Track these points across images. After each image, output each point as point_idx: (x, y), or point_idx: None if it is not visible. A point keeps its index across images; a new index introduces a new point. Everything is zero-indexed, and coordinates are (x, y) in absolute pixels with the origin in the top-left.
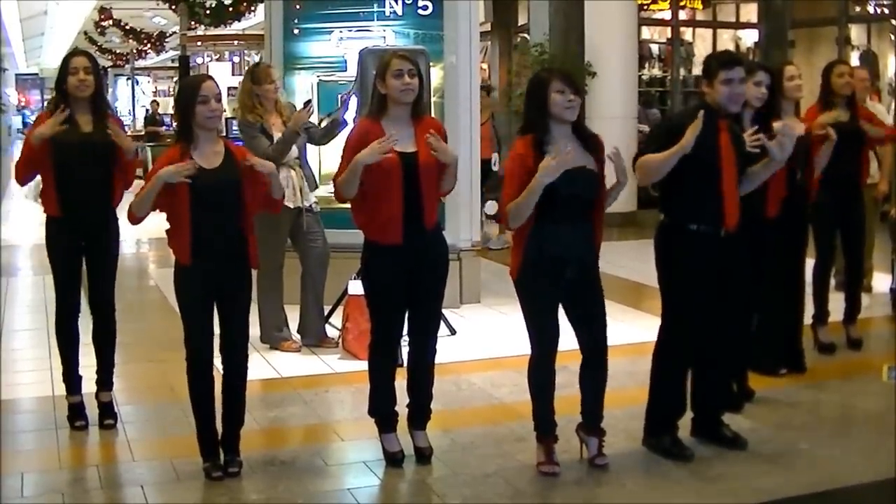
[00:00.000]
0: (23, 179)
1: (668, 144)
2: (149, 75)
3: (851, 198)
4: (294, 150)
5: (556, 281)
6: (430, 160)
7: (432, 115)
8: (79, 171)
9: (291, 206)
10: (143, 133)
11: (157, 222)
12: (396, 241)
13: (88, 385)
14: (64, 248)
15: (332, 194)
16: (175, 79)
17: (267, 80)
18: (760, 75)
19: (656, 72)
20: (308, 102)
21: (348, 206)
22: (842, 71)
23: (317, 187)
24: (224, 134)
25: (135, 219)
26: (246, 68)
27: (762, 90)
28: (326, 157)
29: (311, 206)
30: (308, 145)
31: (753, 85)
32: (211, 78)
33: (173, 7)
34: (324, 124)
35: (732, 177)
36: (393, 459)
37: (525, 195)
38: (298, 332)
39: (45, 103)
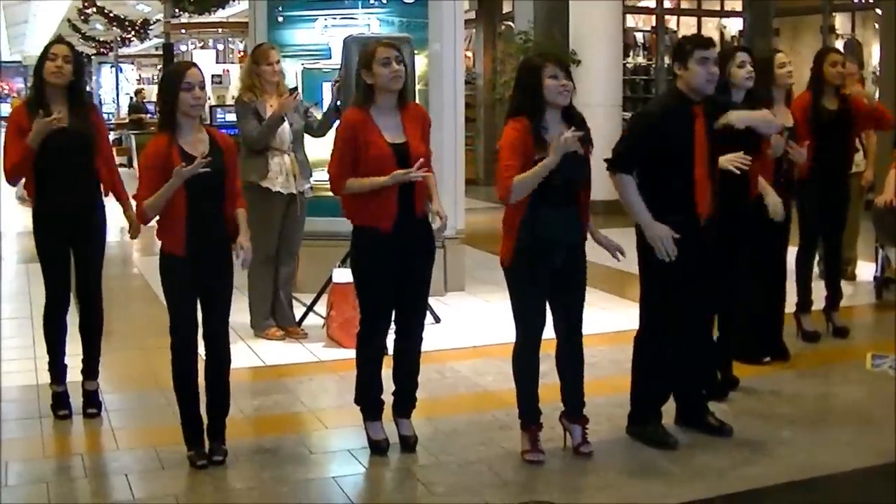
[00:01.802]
0: (12, 179)
1: (649, 141)
2: (133, 63)
3: (836, 186)
4: (289, 135)
5: (548, 266)
6: (421, 150)
7: (416, 102)
8: (57, 162)
9: (284, 193)
10: (126, 121)
11: None
12: (388, 229)
13: (73, 374)
14: (52, 240)
15: (320, 182)
16: (159, 66)
17: (264, 60)
18: (740, 56)
19: (641, 60)
20: (294, 90)
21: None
22: (835, 60)
23: (311, 175)
24: (208, 122)
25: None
26: (231, 56)
27: (747, 69)
28: (312, 145)
29: (303, 191)
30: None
31: (737, 67)
32: (195, 65)
33: None
34: (312, 113)
35: (704, 165)
36: (378, 447)
37: (533, 173)
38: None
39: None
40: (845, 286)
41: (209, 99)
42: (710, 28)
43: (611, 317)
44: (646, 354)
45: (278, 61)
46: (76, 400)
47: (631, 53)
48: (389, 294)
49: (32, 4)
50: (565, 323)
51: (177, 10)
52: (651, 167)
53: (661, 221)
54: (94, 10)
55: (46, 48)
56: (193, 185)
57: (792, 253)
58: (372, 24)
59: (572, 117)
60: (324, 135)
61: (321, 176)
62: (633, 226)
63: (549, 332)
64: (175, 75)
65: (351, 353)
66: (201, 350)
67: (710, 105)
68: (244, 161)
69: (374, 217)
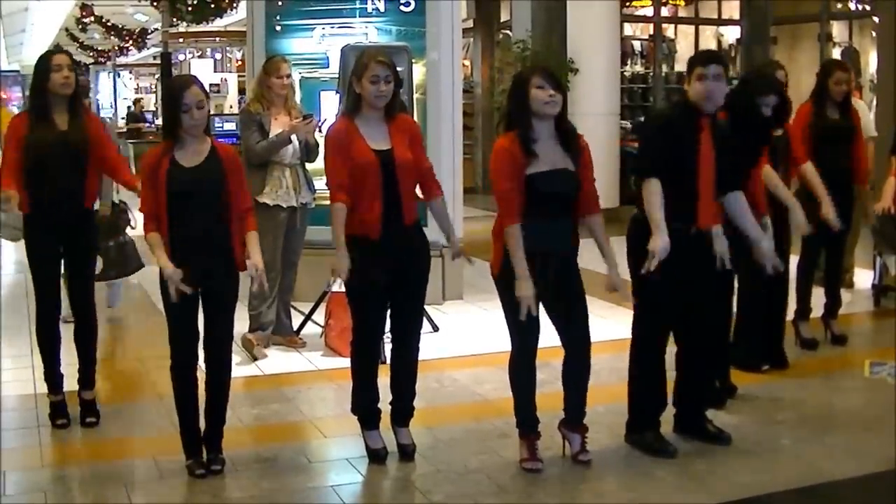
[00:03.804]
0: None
1: (664, 145)
2: (130, 72)
3: (841, 193)
4: (292, 150)
5: (537, 277)
6: (406, 156)
7: (414, 111)
8: (53, 169)
9: (284, 206)
10: (124, 130)
11: (140, 221)
12: (375, 237)
13: (70, 383)
14: (41, 247)
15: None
16: (157, 76)
17: (274, 72)
18: (771, 99)
19: (639, 68)
20: (309, 116)
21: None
22: (839, 79)
23: (314, 189)
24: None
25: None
26: (229, 65)
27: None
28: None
29: (306, 203)
30: None
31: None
32: (195, 82)
33: (155, 3)
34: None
35: (709, 176)
36: (376, 456)
37: (514, 256)
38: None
39: (24, 101)
40: (843, 294)
41: (210, 111)
42: (708, 36)
43: (609, 325)
44: (641, 363)
45: (288, 75)
46: (74, 409)
47: (629, 62)
48: (381, 302)
49: (30, 14)
50: (569, 336)
51: (175, 20)
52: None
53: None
54: (92, 19)
55: (47, 59)
56: (173, 193)
57: (793, 261)
58: (370, 32)
59: (566, 131)
60: (313, 161)
61: (319, 185)
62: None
63: (548, 340)
64: (174, 95)
65: (349, 362)
66: (201, 360)
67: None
68: None
69: (360, 226)
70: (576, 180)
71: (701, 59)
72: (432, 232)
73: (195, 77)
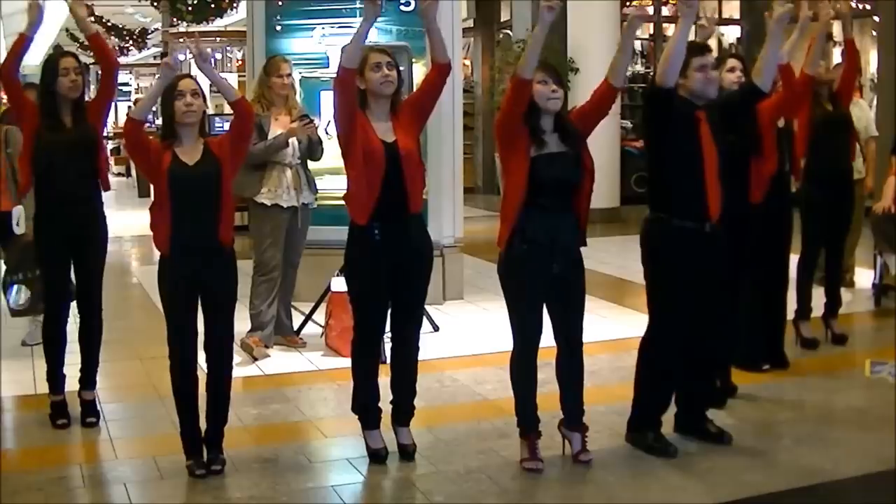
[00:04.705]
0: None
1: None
2: (130, 72)
3: (840, 190)
4: (292, 150)
5: (541, 272)
6: (409, 146)
7: None
8: (62, 168)
9: (284, 206)
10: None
11: (140, 220)
12: (362, 223)
13: (71, 383)
14: (52, 248)
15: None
16: (157, 76)
17: (275, 72)
18: (732, 62)
19: (639, 68)
20: (306, 116)
21: (332, 203)
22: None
23: (316, 189)
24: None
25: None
26: (229, 65)
27: (737, 74)
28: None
29: (307, 203)
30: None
31: (727, 72)
32: (190, 76)
33: (155, 4)
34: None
35: (714, 168)
36: (376, 456)
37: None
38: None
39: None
40: (844, 293)
41: (207, 108)
42: None
43: (610, 325)
44: (651, 360)
45: (289, 74)
46: (75, 409)
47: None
48: (382, 302)
49: None
50: (564, 332)
51: (175, 20)
52: (662, 170)
53: (670, 226)
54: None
55: (54, 62)
56: (177, 189)
57: (793, 260)
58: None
59: (565, 127)
60: (318, 159)
61: (320, 185)
62: (632, 233)
63: (549, 340)
64: (169, 88)
65: (349, 362)
66: (201, 359)
67: (713, 111)
68: (239, 175)
69: (356, 208)
70: (577, 165)
71: (695, 49)
72: (432, 232)
73: (189, 73)
